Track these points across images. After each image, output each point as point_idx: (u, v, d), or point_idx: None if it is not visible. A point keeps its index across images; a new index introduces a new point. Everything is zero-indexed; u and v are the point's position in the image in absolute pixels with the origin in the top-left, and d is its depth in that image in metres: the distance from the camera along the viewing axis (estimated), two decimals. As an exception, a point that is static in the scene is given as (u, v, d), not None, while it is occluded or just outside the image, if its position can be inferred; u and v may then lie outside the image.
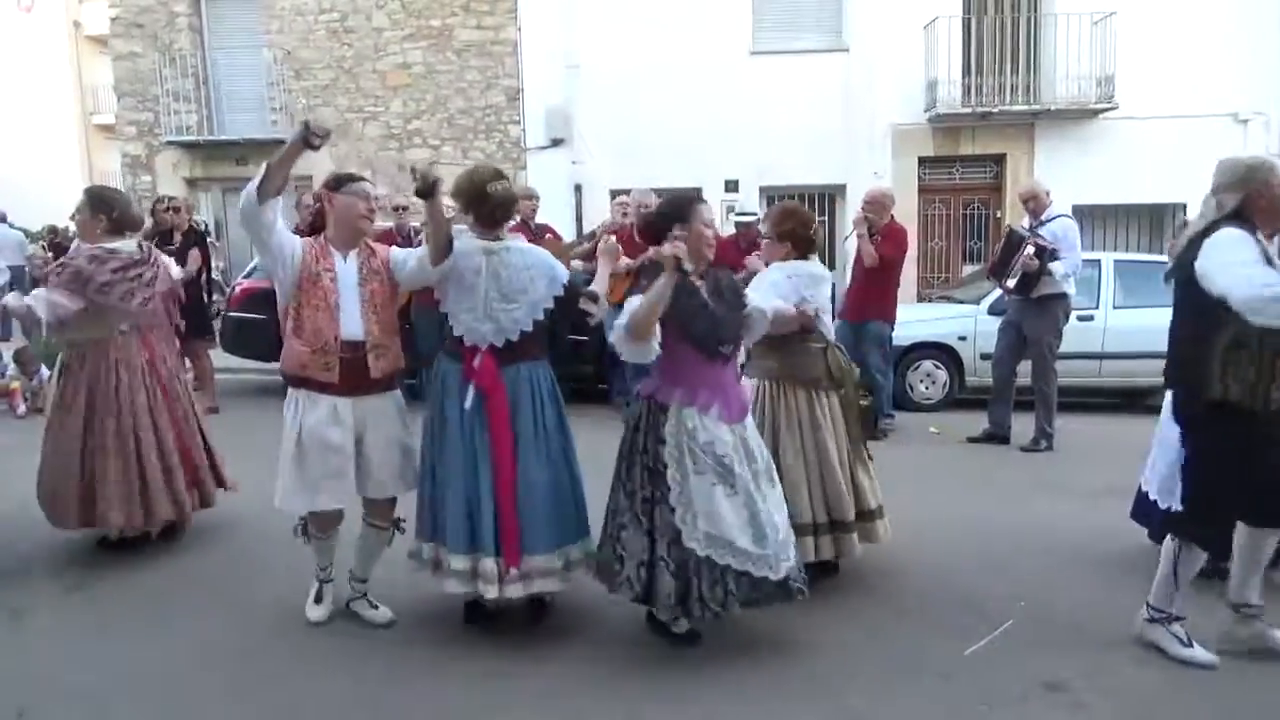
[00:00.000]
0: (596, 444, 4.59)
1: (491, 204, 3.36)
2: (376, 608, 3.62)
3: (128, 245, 4.32)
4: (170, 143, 14.04)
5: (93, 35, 24.60)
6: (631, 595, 3.24)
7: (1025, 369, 6.95)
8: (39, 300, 4.02)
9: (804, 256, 3.93)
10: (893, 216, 7.43)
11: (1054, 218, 6.87)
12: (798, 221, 3.91)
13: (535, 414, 3.37)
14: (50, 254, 10.63)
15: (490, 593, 3.27)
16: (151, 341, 4.38)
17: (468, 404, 3.29)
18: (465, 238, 3.41)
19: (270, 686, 3.10)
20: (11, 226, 14.31)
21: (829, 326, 3.98)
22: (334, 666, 3.24)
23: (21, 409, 7.98)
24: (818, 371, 3.86)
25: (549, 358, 3.54)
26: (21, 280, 12.89)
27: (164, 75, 13.82)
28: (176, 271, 4.76)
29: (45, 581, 4.04)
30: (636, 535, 3.24)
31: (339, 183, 3.45)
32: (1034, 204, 7.03)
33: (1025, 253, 6.61)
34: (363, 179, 3.51)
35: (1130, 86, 12.57)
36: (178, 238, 7.81)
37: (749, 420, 3.41)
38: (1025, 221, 7.17)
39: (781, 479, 3.52)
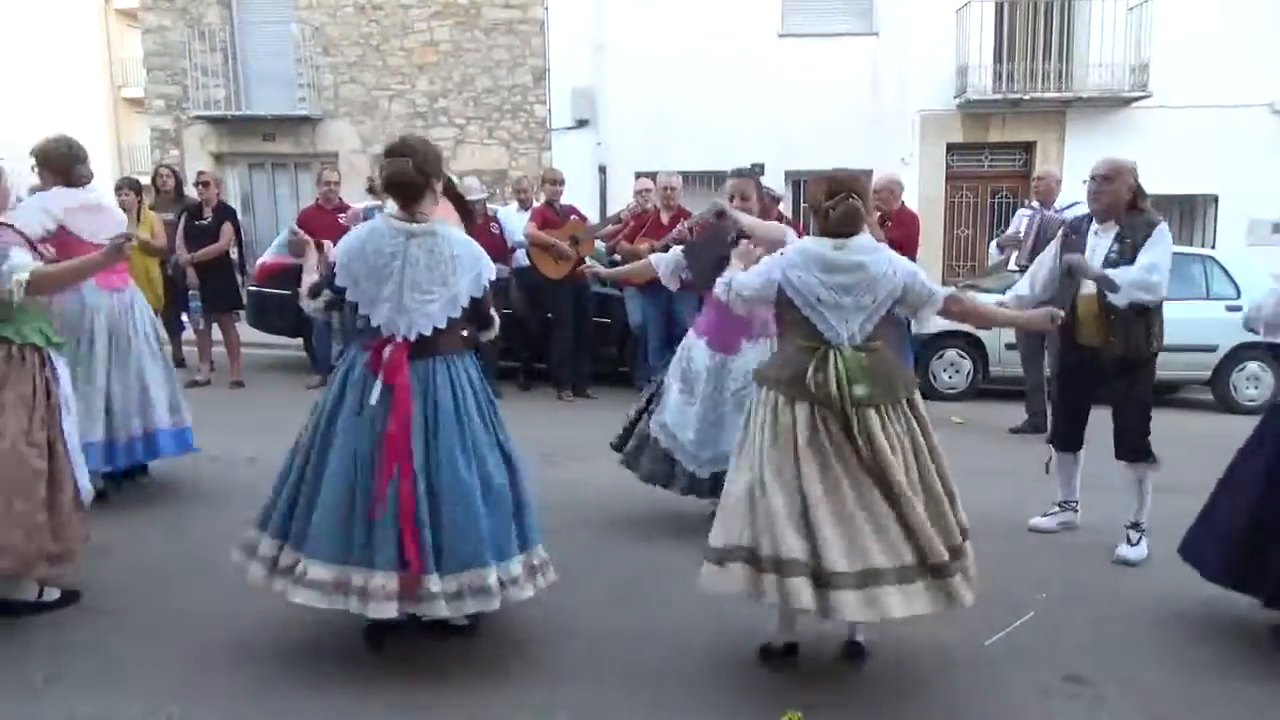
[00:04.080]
0: (612, 429, 4.66)
1: (383, 178, 3.12)
2: None
3: None
4: (198, 117, 14.12)
5: (122, 9, 24.74)
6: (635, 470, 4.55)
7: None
8: None
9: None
10: (903, 203, 7.37)
11: (1069, 205, 6.81)
12: (815, 190, 3.10)
13: (458, 412, 3.07)
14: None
15: (385, 611, 2.92)
16: None
17: (373, 399, 2.99)
18: (381, 218, 3.16)
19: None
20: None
21: (827, 319, 2.99)
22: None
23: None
24: (791, 370, 3.00)
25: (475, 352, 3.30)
26: (51, 252, 13.03)
27: (193, 49, 13.89)
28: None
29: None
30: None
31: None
32: (1041, 185, 7.13)
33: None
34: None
35: (1164, 75, 12.40)
36: (208, 213, 7.88)
37: (739, 358, 4.23)
38: (1034, 202, 7.19)
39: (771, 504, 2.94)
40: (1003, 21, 12.95)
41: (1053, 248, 4.49)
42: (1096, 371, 4.30)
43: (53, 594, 3.49)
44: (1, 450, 3.20)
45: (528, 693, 2.96)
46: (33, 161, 4.46)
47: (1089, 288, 4.22)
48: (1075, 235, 4.39)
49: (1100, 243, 4.26)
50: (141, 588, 3.73)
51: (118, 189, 7.32)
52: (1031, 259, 6.89)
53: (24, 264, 3.26)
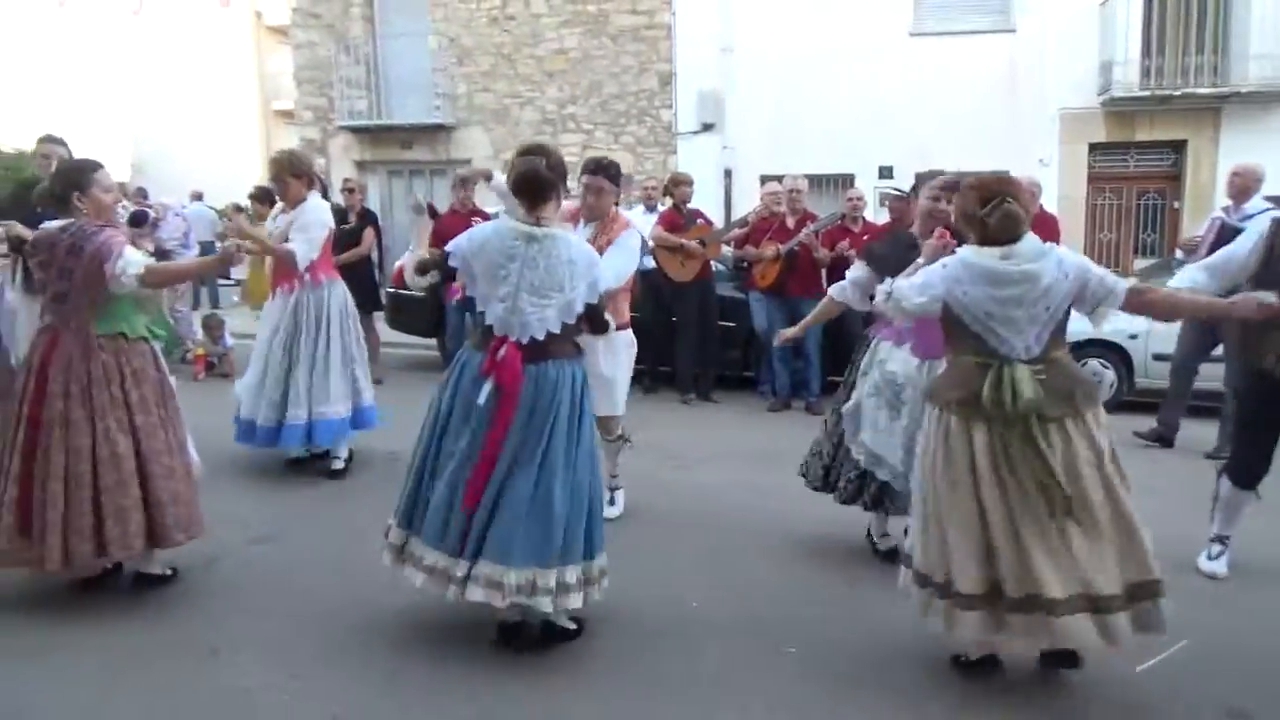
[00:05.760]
0: (735, 433, 4.63)
1: (513, 176, 3.22)
2: (613, 503, 4.54)
3: (47, 224, 3.64)
4: (342, 127, 14.83)
5: (272, 25, 26.18)
6: (811, 483, 4.25)
7: (1207, 371, 6.52)
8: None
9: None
10: (1042, 205, 7.05)
11: (1264, 210, 6.22)
12: (967, 198, 2.97)
13: (553, 417, 3.12)
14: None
15: (449, 594, 3.10)
16: (57, 345, 3.50)
17: (482, 399, 3.07)
18: (504, 219, 3.26)
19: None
20: (208, 207, 15.58)
21: (997, 333, 2.89)
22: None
23: (200, 375, 8.60)
24: (970, 395, 2.87)
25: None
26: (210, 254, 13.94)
27: (339, 63, 14.60)
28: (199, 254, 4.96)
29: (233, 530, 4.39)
30: (823, 436, 4.23)
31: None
32: (1238, 182, 6.29)
33: None
34: None
35: (1334, 67, 11.49)
36: (353, 218, 8.28)
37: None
38: (1226, 205, 6.61)
39: (945, 529, 2.91)
40: (1151, 13, 12.26)
41: (1251, 239, 3.87)
42: None
43: (167, 572, 3.79)
44: (148, 434, 3.51)
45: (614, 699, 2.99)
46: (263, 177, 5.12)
47: None
48: None
49: None
50: (292, 574, 3.95)
51: (251, 197, 7.80)
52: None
53: (137, 261, 3.54)
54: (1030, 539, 2.75)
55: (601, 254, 3.70)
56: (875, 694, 3.01)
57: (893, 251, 3.88)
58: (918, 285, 2.98)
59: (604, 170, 4.27)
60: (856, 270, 4.08)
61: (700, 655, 3.27)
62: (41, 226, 3.58)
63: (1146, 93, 12.18)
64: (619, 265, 3.92)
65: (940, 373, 3.15)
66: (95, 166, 3.63)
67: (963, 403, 2.87)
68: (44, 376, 3.44)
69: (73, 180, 3.54)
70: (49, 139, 5.08)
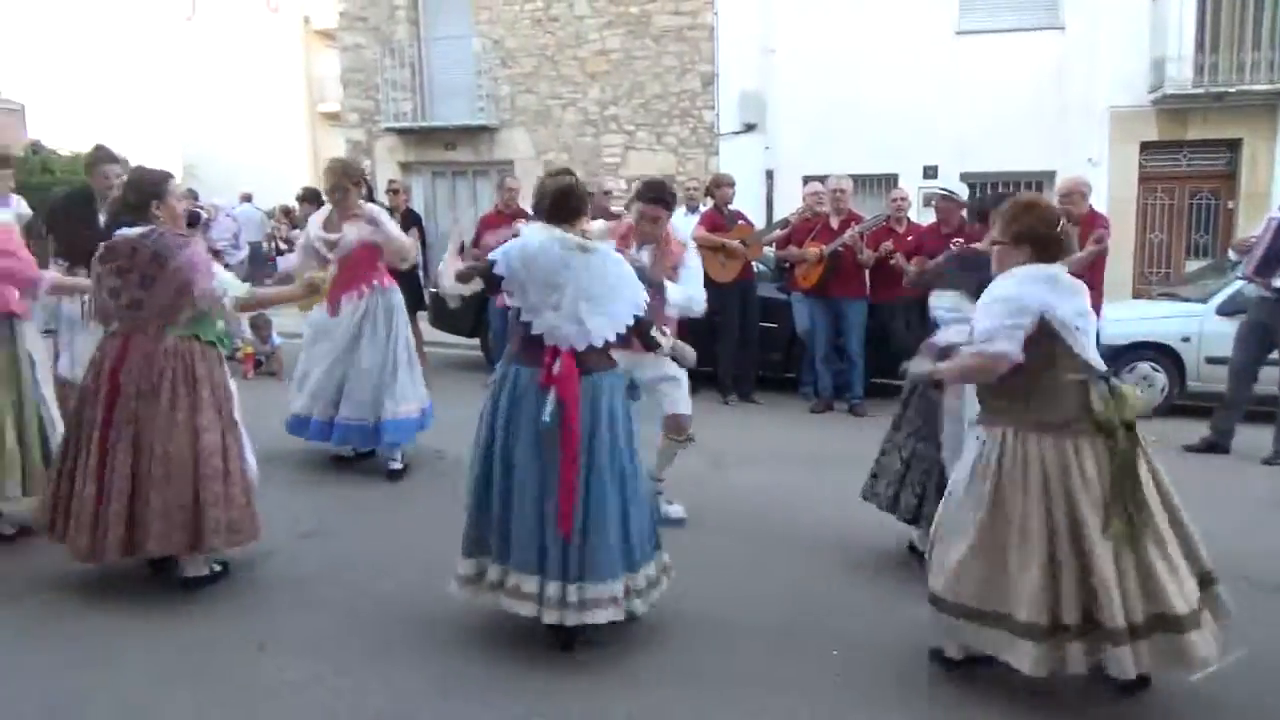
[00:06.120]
0: (777, 435, 4.61)
1: (551, 194, 3.29)
2: (671, 503, 4.53)
3: (124, 231, 3.70)
4: (388, 129, 15.02)
5: (319, 29, 26.59)
6: (879, 504, 4.12)
7: (1265, 376, 6.39)
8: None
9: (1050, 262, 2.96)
10: (1091, 206, 6.92)
11: None
12: (1036, 218, 2.97)
13: (609, 428, 3.17)
14: (290, 227, 11.74)
15: (549, 617, 3.11)
16: (129, 349, 3.60)
17: (546, 415, 3.07)
18: (543, 230, 3.25)
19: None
20: (257, 208, 15.86)
21: (1087, 347, 2.88)
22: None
23: (249, 374, 8.75)
24: (1067, 413, 2.83)
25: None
26: (259, 256, 14.21)
27: (384, 65, 14.80)
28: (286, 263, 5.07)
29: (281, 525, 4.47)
30: (893, 459, 4.08)
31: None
32: None
33: None
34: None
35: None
36: (397, 218, 8.36)
37: None
38: None
39: (1006, 557, 2.86)
40: (1205, 8, 11.98)
41: None
42: None
43: (215, 568, 3.85)
44: (206, 434, 3.60)
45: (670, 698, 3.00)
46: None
47: None
48: None
49: None
50: (340, 570, 4.02)
51: (299, 199, 7.91)
52: (1261, 270, 6.27)
53: (236, 286, 3.73)
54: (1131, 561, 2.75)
55: (668, 278, 4.07)
56: (920, 701, 2.99)
57: (968, 274, 3.72)
58: (997, 313, 2.86)
59: (661, 200, 4.32)
60: (940, 299, 3.93)
61: (743, 656, 3.28)
62: (119, 233, 3.65)
63: (1200, 90, 11.90)
64: (696, 290, 4.26)
65: (1022, 396, 2.90)
66: (168, 176, 3.80)
67: (1067, 424, 2.82)
68: (115, 380, 3.55)
69: (150, 190, 3.67)
70: (108, 156, 5.09)
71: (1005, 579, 2.82)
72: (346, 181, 5.23)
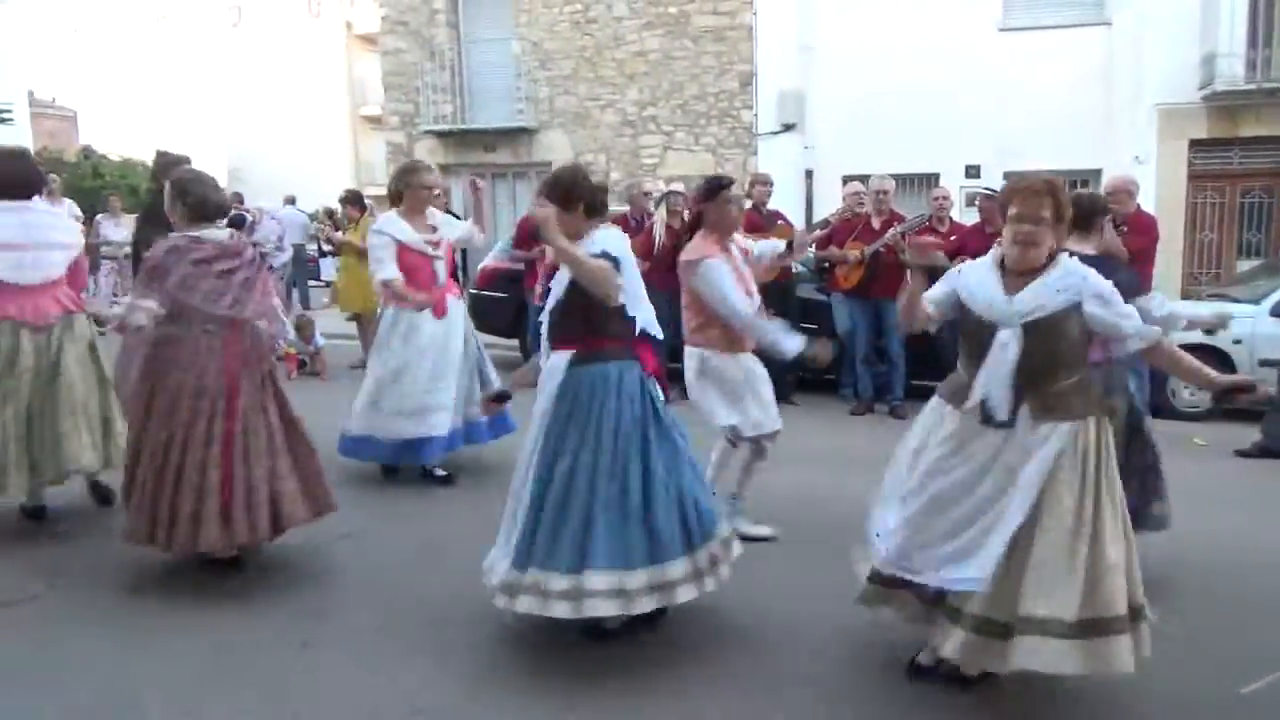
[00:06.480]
0: (816, 436, 4.57)
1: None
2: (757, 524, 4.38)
3: (215, 234, 3.78)
4: (428, 132, 15.17)
5: (360, 34, 26.94)
6: None
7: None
8: (133, 309, 3.63)
9: None
10: (1139, 205, 6.78)
11: None
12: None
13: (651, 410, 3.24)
14: (333, 229, 11.89)
15: (641, 606, 3.08)
16: (233, 350, 3.74)
17: (661, 408, 3.18)
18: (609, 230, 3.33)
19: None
20: (300, 211, 16.13)
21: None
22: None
23: (292, 374, 8.85)
24: (1096, 393, 2.95)
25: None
26: (302, 258, 14.43)
27: (424, 69, 14.94)
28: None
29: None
30: None
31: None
32: None
33: None
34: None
35: None
36: (437, 221, 8.44)
37: None
38: None
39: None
40: (1258, 3, 11.70)
41: None
42: None
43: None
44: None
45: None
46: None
47: None
48: None
49: None
50: (383, 570, 4.05)
51: (341, 202, 7.98)
52: None
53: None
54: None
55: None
56: (966, 704, 2.95)
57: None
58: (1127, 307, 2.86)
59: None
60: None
61: (784, 657, 3.25)
62: (209, 235, 3.75)
63: (1253, 86, 11.64)
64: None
65: (1080, 383, 2.85)
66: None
67: (1096, 404, 2.85)
68: (233, 374, 3.72)
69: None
70: (173, 159, 4.99)
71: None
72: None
